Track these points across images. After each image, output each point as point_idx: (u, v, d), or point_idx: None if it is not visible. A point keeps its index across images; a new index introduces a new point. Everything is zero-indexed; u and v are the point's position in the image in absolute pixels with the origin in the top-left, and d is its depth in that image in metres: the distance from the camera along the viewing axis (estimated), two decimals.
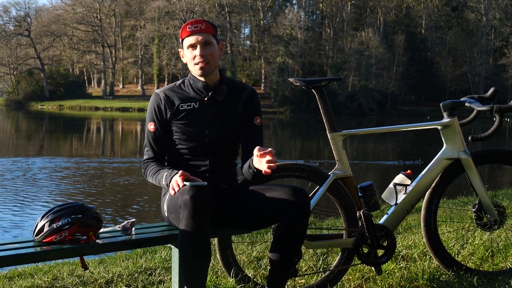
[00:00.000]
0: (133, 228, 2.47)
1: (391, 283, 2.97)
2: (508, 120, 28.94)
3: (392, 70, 53.89)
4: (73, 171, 13.06)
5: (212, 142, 2.59)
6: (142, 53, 62.88)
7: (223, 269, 2.96)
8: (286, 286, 2.54)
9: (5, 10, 67.46)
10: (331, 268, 2.96)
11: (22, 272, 3.57)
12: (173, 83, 2.70)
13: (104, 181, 11.68)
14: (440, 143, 3.07)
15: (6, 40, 64.38)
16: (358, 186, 2.92)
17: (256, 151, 2.27)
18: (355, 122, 38.27)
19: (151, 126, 2.62)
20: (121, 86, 67.31)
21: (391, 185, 2.97)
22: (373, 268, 2.97)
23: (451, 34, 56.87)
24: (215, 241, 2.95)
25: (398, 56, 54.20)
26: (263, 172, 2.26)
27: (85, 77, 69.41)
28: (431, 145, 18.41)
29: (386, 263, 2.98)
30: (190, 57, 2.56)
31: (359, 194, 2.90)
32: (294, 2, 64.15)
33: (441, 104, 3.01)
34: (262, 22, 62.05)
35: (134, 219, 2.52)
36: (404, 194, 2.95)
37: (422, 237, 3.38)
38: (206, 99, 2.60)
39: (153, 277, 3.19)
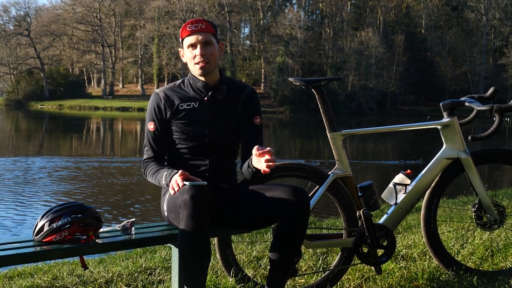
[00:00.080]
0: (133, 228, 2.47)
1: (391, 282, 2.97)
2: (508, 119, 28.81)
3: (392, 69, 53.87)
4: (73, 170, 13.05)
5: (212, 141, 2.59)
6: (142, 53, 62.88)
7: (223, 268, 2.96)
8: (286, 285, 2.54)
9: (5, 10, 67.50)
10: (331, 268, 2.96)
11: (22, 272, 3.57)
12: (173, 83, 2.70)
13: (104, 180, 11.66)
14: (440, 143, 3.07)
15: (6, 40, 64.36)
16: (358, 186, 2.92)
17: (255, 151, 2.27)
18: (355, 121, 38.25)
19: (151, 126, 2.62)
20: (121, 85, 67.28)
21: (391, 185, 2.97)
22: (373, 267, 2.97)
23: (451, 34, 56.83)
24: (215, 240, 2.95)
25: (398, 55, 54.18)
26: (262, 171, 2.26)
27: (85, 77, 69.39)
28: (431, 145, 18.42)
29: (386, 263, 2.98)
30: (190, 56, 2.56)
31: (359, 194, 2.90)
32: (294, 1, 64.15)
33: (441, 104, 3.01)
34: (262, 21, 62.05)
35: (134, 219, 2.52)
36: (404, 193, 2.96)
37: (422, 236, 3.39)
38: (206, 98, 2.60)
39: (153, 277, 3.19)
